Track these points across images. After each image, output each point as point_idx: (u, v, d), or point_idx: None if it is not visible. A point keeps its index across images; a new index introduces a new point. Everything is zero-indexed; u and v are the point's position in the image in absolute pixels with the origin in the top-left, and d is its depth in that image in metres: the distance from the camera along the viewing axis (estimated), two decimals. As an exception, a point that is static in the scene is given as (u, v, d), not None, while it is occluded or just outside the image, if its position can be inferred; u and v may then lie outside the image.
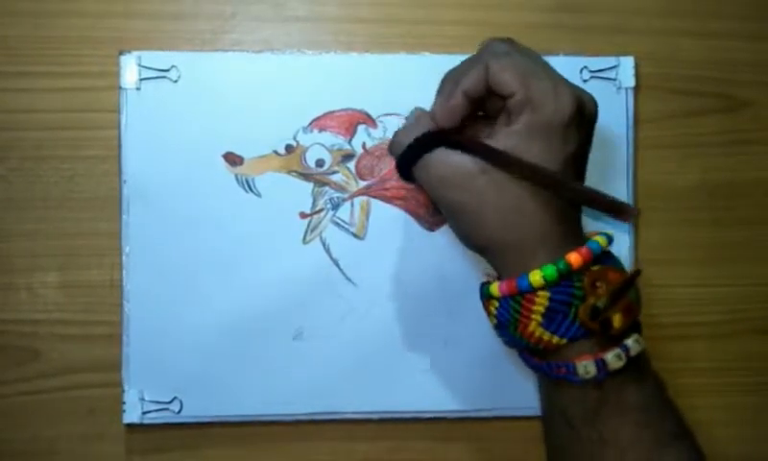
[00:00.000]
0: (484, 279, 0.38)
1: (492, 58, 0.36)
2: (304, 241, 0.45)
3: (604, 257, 0.35)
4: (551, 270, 0.34)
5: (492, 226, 0.36)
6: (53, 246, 0.45)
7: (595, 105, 0.37)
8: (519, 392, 0.46)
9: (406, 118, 0.41)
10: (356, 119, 0.45)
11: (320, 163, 0.45)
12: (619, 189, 0.46)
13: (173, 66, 0.44)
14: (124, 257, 0.44)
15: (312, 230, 0.45)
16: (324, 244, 0.45)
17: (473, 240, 0.37)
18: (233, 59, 0.45)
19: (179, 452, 0.45)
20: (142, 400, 0.44)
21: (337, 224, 0.45)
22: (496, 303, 0.36)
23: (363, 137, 0.45)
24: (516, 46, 0.37)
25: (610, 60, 0.46)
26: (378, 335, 0.45)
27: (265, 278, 0.45)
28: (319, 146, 0.45)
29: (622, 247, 0.46)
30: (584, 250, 0.34)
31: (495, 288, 0.36)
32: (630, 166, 0.46)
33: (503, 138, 0.35)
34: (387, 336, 0.45)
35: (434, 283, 0.45)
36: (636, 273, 0.35)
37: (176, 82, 0.45)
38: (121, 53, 0.44)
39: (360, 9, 0.46)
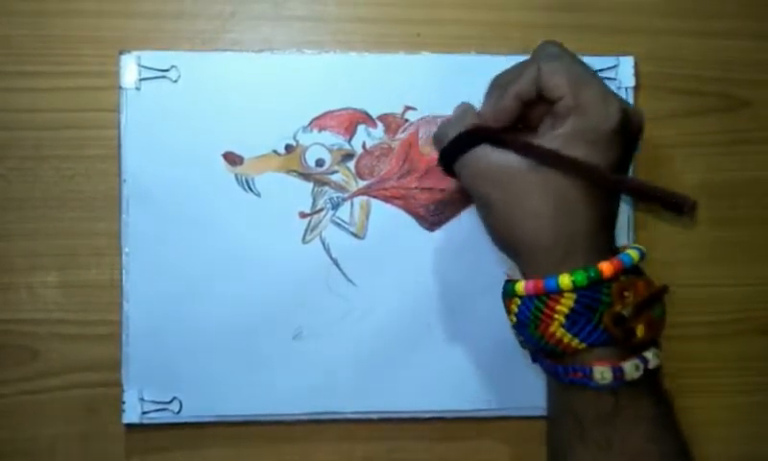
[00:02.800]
0: (506, 278, 0.38)
1: (544, 60, 0.36)
2: (304, 241, 0.45)
3: (634, 271, 0.35)
4: (581, 275, 0.34)
5: (531, 225, 0.35)
6: (53, 246, 0.45)
7: (642, 118, 0.37)
8: (519, 392, 0.46)
9: (452, 112, 0.41)
10: (356, 119, 0.45)
11: (319, 163, 0.45)
12: (619, 189, 0.46)
13: (173, 66, 0.44)
14: (124, 257, 0.44)
15: (312, 230, 0.45)
16: (323, 244, 0.45)
17: (506, 238, 0.37)
18: (233, 58, 0.45)
19: (178, 452, 0.45)
20: (142, 399, 0.44)
21: (337, 223, 0.45)
22: (519, 301, 0.36)
23: (363, 137, 0.45)
24: (567, 51, 0.37)
25: (609, 60, 0.46)
26: (378, 335, 0.45)
27: (265, 277, 0.45)
28: (318, 146, 0.45)
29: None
30: (615, 261, 0.34)
31: (521, 286, 0.36)
32: (630, 166, 0.46)
33: (548, 141, 0.35)
34: (387, 336, 0.45)
35: (433, 283, 0.45)
36: (664, 288, 0.35)
37: (175, 81, 0.45)
38: (121, 53, 0.44)
39: (360, 8, 0.46)
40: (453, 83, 0.45)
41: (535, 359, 0.39)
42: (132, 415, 0.44)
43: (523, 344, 0.38)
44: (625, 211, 0.46)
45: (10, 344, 0.45)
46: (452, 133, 0.38)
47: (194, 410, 0.44)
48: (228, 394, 0.45)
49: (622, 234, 0.46)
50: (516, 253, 0.37)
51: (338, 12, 0.46)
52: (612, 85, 0.46)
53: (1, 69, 0.45)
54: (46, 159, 0.45)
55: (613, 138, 0.35)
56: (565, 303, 0.34)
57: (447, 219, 0.45)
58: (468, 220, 0.46)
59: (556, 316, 0.35)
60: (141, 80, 0.44)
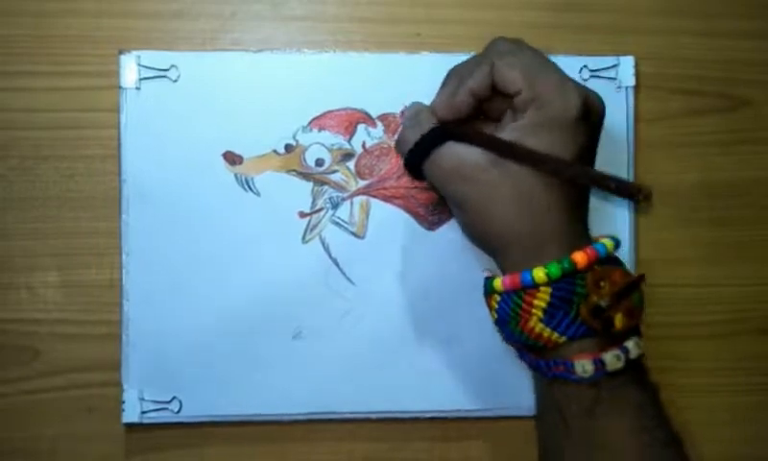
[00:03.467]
0: (486, 275, 0.38)
1: (498, 56, 0.36)
2: (304, 240, 0.45)
3: (610, 261, 0.35)
4: (555, 267, 0.34)
5: (502, 219, 0.36)
6: (52, 245, 0.45)
7: (602, 103, 0.37)
8: (519, 392, 0.46)
9: (402, 112, 0.41)
10: (356, 118, 0.45)
11: (319, 163, 0.45)
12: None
13: (172, 66, 0.44)
14: (123, 257, 0.44)
15: (311, 230, 0.45)
16: (323, 243, 0.45)
17: (481, 234, 0.37)
18: (233, 58, 0.45)
19: (178, 452, 0.45)
20: (141, 399, 0.44)
21: (336, 223, 0.45)
22: (498, 298, 0.36)
23: (362, 137, 0.45)
24: (521, 45, 0.37)
25: (610, 60, 0.46)
26: (378, 335, 0.45)
27: (264, 277, 0.45)
28: (318, 145, 0.45)
29: (623, 247, 0.46)
30: (590, 250, 0.34)
31: (499, 282, 0.36)
32: (630, 166, 0.46)
33: (509, 133, 0.35)
34: (386, 336, 0.45)
35: (433, 283, 0.45)
36: (641, 277, 0.35)
37: (175, 81, 0.45)
38: (121, 52, 0.44)
39: (359, 8, 0.46)
40: (453, 82, 0.45)
41: (520, 355, 0.39)
42: (131, 415, 0.44)
43: (506, 340, 0.38)
44: (626, 213, 0.46)
45: (9, 344, 0.45)
46: (414, 136, 0.38)
47: (194, 410, 0.44)
48: (228, 394, 0.44)
49: (623, 235, 0.46)
50: (492, 248, 0.37)
51: (338, 12, 0.46)
52: (612, 85, 0.46)
53: (1, 69, 0.45)
54: (46, 159, 0.45)
55: (577, 126, 0.35)
56: (542, 298, 0.34)
57: (447, 219, 0.45)
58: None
59: (534, 311, 0.35)
60: (141, 80, 0.44)
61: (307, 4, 0.46)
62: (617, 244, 0.36)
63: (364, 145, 0.45)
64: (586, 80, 0.46)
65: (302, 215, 0.45)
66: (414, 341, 0.45)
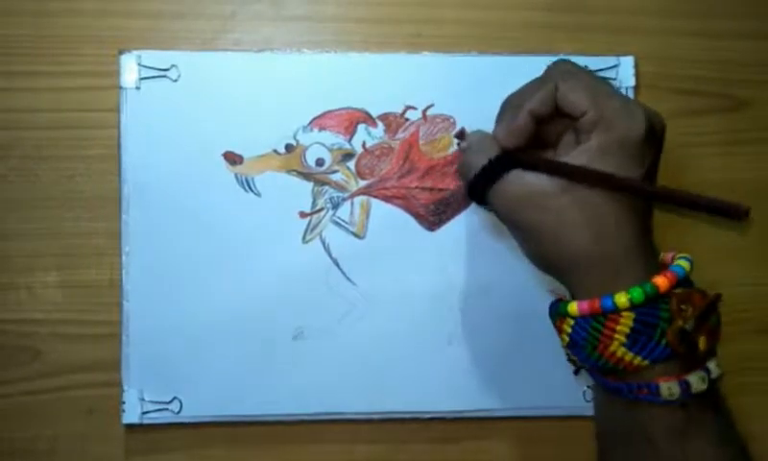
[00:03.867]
0: (555, 297, 0.37)
1: (561, 77, 0.36)
2: (304, 240, 0.45)
3: (685, 282, 0.35)
4: (638, 292, 0.33)
5: (574, 244, 0.35)
6: (53, 245, 0.45)
7: (663, 122, 0.37)
8: (520, 392, 0.46)
9: (458, 143, 0.40)
10: (356, 118, 0.45)
11: (320, 162, 0.45)
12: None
13: (173, 66, 0.44)
14: (123, 257, 0.44)
15: (312, 230, 0.45)
16: (323, 243, 0.45)
17: (552, 261, 0.37)
18: (233, 58, 0.45)
19: (178, 452, 0.45)
20: (142, 399, 0.44)
21: (337, 223, 0.45)
22: (572, 322, 0.36)
23: (363, 136, 0.45)
24: (581, 68, 0.37)
25: (609, 60, 0.46)
26: (378, 335, 0.45)
27: (265, 277, 0.45)
28: (319, 145, 0.45)
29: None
30: (669, 274, 0.34)
31: (574, 307, 0.35)
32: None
33: (577, 156, 0.35)
34: (387, 336, 0.45)
35: (433, 283, 0.45)
36: (718, 297, 0.35)
37: (176, 81, 0.45)
38: (121, 52, 0.44)
39: (359, 8, 0.46)
40: (453, 82, 0.45)
41: (577, 373, 0.38)
42: (132, 415, 0.44)
43: (576, 362, 0.38)
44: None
45: (10, 344, 0.45)
46: (478, 163, 0.37)
47: (194, 410, 0.44)
48: (228, 394, 0.44)
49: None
50: (565, 273, 0.37)
51: (338, 12, 0.46)
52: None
53: (1, 69, 0.45)
54: (46, 159, 0.45)
55: (643, 146, 0.35)
56: (625, 323, 0.34)
57: (448, 219, 0.45)
58: (467, 220, 0.46)
59: (616, 336, 0.34)
60: (141, 79, 0.44)
61: (307, 4, 0.46)
62: (692, 264, 0.36)
63: (364, 145, 0.45)
64: (586, 80, 0.46)
65: (303, 215, 0.45)
66: (414, 341, 0.45)
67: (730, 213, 0.33)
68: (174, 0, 0.46)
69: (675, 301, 0.34)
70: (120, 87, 0.44)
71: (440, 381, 0.45)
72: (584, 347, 0.35)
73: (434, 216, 0.46)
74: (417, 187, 0.45)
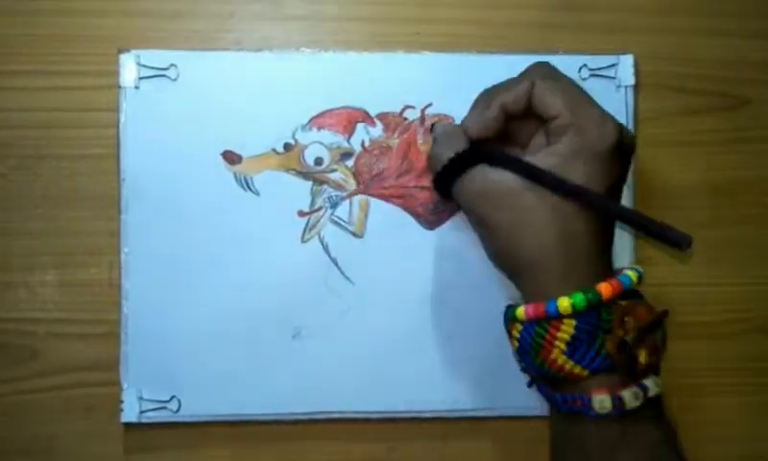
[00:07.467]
0: (508, 303, 0.37)
1: (540, 78, 0.36)
2: (303, 240, 0.45)
3: (632, 294, 0.35)
4: (580, 298, 0.33)
5: (532, 244, 0.35)
6: (51, 244, 0.45)
7: (635, 143, 0.37)
8: (519, 392, 0.45)
9: (432, 129, 0.40)
10: (355, 117, 0.45)
11: (318, 162, 0.45)
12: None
13: (172, 65, 0.45)
14: (122, 256, 0.44)
15: (311, 229, 0.45)
16: (322, 243, 0.45)
17: (507, 259, 0.37)
18: (232, 57, 0.45)
19: (177, 451, 0.45)
20: (140, 398, 0.44)
21: (336, 222, 0.45)
22: (520, 327, 0.36)
23: (362, 136, 0.45)
24: (560, 72, 0.37)
25: (609, 59, 0.46)
26: (377, 334, 0.45)
27: (263, 276, 0.45)
28: (317, 144, 0.45)
29: (623, 247, 0.46)
30: (615, 282, 0.34)
31: (521, 311, 0.35)
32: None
33: (543, 157, 0.35)
34: (385, 335, 0.45)
35: (432, 282, 0.45)
36: (664, 313, 0.35)
37: (175, 80, 0.45)
38: (120, 51, 0.44)
39: (359, 7, 0.46)
40: (453, 82, 0.45)
41: (530, 384, 0.38)
42: (130, 414, 0.44)
43: (525, 370, 0.38)
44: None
45: (8, 343, 0.45)
46: (447, 155, 0.37)
47: (193, 409, 0.44)
48: (227, 393, 0.44)
49: (623, 234, 0.46)
50: (518, 273, 0.37)
51: (337, 12, 0.46)
52: (612, 84, 0.46)
53: (1, 68, 0.45)
54: (46, 159, 0.45)
55: (612, 157, 0.35)
56: (566, 330, 0.34)
57: (446, 218, 0.45)
58: (466, 219, 0.45)
59: (557, 343, 0.34)
60: (140, 79, 0.44)
61: (306, 3, 0.46)
62: (641, 276, 0.35)
63: (363, 144, 0.45)
64: (585, 79, 0.46)
65: (302, 214, 0.45)
66: (413, 341, 0.45)
67: (673, 242, 0.33)
68: (173, -1, 0.46)
69: (618, 311, 0.34)
70: (119, 87, 0.44)
71: (439, 381, 0.45)
72: (529, 352, 0.35)
73: (433, 215, 0.45)
74: (415, 186, 0.45)
